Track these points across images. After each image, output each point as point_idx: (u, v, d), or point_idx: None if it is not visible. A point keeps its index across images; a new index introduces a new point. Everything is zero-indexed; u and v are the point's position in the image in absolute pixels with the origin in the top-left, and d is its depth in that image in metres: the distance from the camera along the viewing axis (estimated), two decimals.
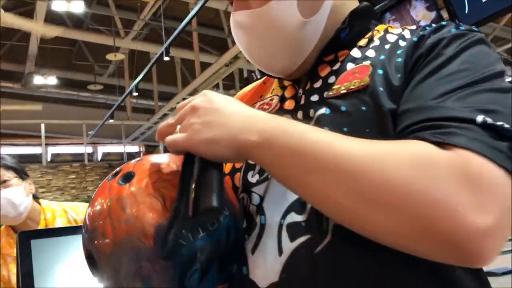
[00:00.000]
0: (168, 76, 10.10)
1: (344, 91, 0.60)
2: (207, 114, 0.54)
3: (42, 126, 9.12)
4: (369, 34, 0.67)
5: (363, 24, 0.68)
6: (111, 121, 8.86)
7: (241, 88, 8.08)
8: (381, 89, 0.57)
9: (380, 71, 0.59)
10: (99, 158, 12.89)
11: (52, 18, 8.23)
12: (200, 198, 0.52)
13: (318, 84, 0.65)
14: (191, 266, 0.56)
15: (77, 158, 11.86)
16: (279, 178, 0.54)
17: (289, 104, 0.67)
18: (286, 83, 0.71)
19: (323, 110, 0.61)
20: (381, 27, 0.69)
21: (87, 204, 2.03)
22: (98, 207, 0.59)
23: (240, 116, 0.54)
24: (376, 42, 0.65)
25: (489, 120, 0.48)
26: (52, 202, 1.98)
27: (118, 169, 0.62)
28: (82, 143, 10.30)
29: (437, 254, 0.47)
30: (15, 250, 1.74)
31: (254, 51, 0.68)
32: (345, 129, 0.56)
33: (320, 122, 0.60)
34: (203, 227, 0.56)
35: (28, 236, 1.18)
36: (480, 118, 0.48)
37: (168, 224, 0.54)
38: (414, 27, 0.65)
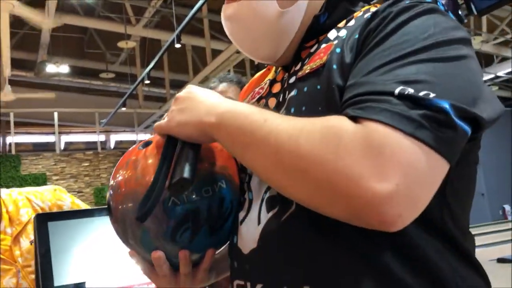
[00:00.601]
0: (180, 64, 10.09)
1: (308, 70, 0.65)
2: (183, 102, 0.65)
3: (55, 114, 9.20)
4: (351, 16, 0.69)
5: (345, 7, 0.71)
6: (124, 109, 8.91)
7: (251, 74, 8.07)
8: (334, 66, 0.61)
9: (338, 50, 0.63)
10: (112, 146, 13.00)
11: (64, 6, 8.26)
12: (175, 171, 0.62)
13: (298, 67, 0.70)
14: (182, 224, 0.66)
15: (90, 146, 11.97)
16: (232, 154, 0.63)
17: (276, 88, 0.74)
18: (279, 68, 0.77)
19: (293, 92, 0.67)
20: (366, 7, 0.70)
21: (50, 188, 1.95)
22: (121, 166, 0.72)
23: (207, 102, 0.63)
24: (352, 22, 0.67)
25: (408, 90, 0.50)
26: (12, 190, 1.80)
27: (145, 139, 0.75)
28: (95, 132, 10.38)
29: (347, 218, 0.52)
30: None
31: (241, 41, 0.74)
32: (303, 108, 0.63)
33: (289, 104, 0.66)
34: (197, 192, 0.66)
35: (45, 218, 1.20)
36: (398, 89, 0.50)
37: (146, 192, 0.63)
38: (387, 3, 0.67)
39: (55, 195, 1.81)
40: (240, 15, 0.70)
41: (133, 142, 11.57)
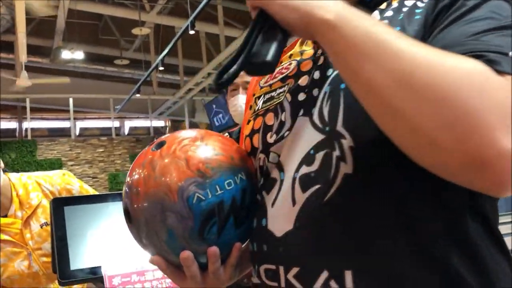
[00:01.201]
0: (193, 51, 10.09)
1: None
2: None
3: (71, 100, 9.29)
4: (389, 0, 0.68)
5: None
6: (138, 95, 8.96)
7: None
8: None
9: (397, 28, 0.60)
10: (126, 132, 13.09)
11: None
12: (258, 50, 0.57)
13: None
14: (209, 219, 0.65)
15: (105, 132, 12.07)
16: (339, 60, 0.54)
17: (306, 66, 0.70)
18: (309, 44, 0.74)
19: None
20: None
21: (59, 173, 1.96)
22: (135, 170, 0.71)
23: None
24: (395, 4, 0.67)
25: None
26: (22, 175, 1.82)
27: (155, 140, 0.73)
28: (109, 118, 10.46)
29: (459, 166, 0.47)
30: None
31: None
32: None
33: (337, 81, 0.62)
34: (220, 186, 0.66)
35: (62, 203, 1.22)
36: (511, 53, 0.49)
37: (228, 62, 0.58)
38: None
39: (64, 180, 1.83)
40: None
41: (147, 129, 11.64)
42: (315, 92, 0.66)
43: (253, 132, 0.74)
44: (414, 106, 0.48)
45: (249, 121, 0.79)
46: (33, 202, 1.75)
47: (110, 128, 10.32)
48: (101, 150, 8.80)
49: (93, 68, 11.12)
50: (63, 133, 11.82)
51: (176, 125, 13.48)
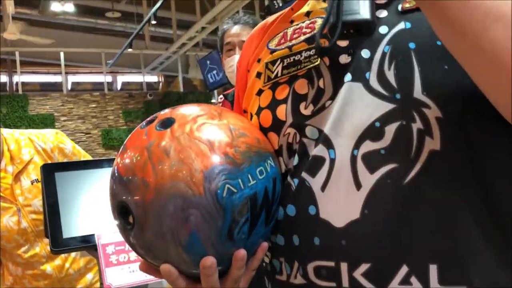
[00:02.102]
0: (187, 3, 9.81)
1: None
2: None
3: (62, 54, 9.08)
4: None
5: None
6: (130, 50, 8.77)
7: (261, 16, 7.82)
8: None
9: None
10: (119, 87, 12.93)
11: None
12: (350, 8, 0.48)
13: (382, 0, 0.57)
14: (241, 216, 0.53)
15: (97, 87, 11.91)
16: (444, 22, 0.45)
17: None
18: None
19: (401, 25, 0.54)
20: None
21: (53, 131, 1.95)
22: (133, 154, 0.55)
23: None
24: None
25: None
26: (14, 131, 1.79)
27: (151, 117, 0.60)
28: (101, 72, 10.28)
29: None
30: None
31: None
32: (438, 43, 0.50)
33: (401, 39, 0.53)
34: (253, 175, 0.54)
35: (52, 169, 1.18)
36: None
37: (323, 22, 0.50)
38: None
39: (57, 138, 1.81)
40: None
41: (140, 84, 11.48)
42: (364, 53, 0.55)
43: (274, 103, 0.62)
44: None
45: (260, 91, 0.66)
46: (25, 158, 1.73)
47: (102, 83, 10.16)
48: (93, 105, 8.69)
49: (84, 21, 10.81)
50: (55, 87, 11.65)
51: (169, 80, 13.31)
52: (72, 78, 12.51)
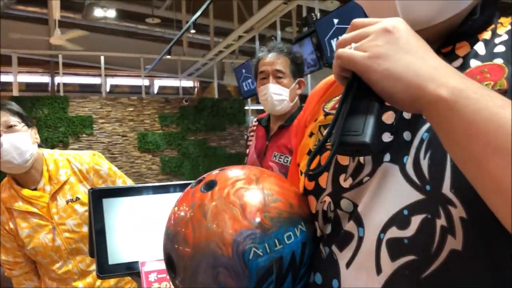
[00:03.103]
0: (225, 11, 9.92)
1: None
2: (398, 43, 0.47)
3: (102, 58, 9.33)
4: (492, 26, 0.58)
5: (488, 14, 0.59)
6: (168, 56, 8.94)
7: (297, 25, 7.77)
8: None
9: None
10: (156, 91, 13.18)
11: None
12: (350, 127, 0.48)
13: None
14: (266, 278, 0.57)
15: (134, 90, 12.19)
16: (454, 144, 0.45)
17: None
18: None
19: None
20: (504, 20, 0.60)
21: (90, 153, 2.06)
22: (181, 212, 0.63)
23: (431, 62, 0.46)
24: (504, 37, 0.56)
25: None
26: (54, 151, 1.89)
27: (201, 177, 0.66)
28: (139, 76, 10.51)
29: None
30: (19, 203, 1.78)
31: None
32: None
33: None
34: (280, 240, 0.58)
35: (100, 195, 1.24)
36: None
37: (318, 146, 0.54)
38: None
39: (93, 159, 1.89)
40: None
41: (176, 89, 11.68)
42: (406, 135, 0.56)
43: (320, 169, 0.61)
44: None
45: (310, 152, 0.68)
46: (62, 178, 1.82)
47: (139, 86, 10.38)
48: (131, 109, 8.88)
49: (124, 26, 11.09)
50: (94, 89, 11.99)
51: (204, 85, 13.47)
52: (110, 81, 12.84)
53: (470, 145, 0.43)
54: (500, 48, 0.55)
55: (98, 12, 9.44)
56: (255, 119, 2.41)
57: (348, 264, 0.56)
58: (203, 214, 0.60)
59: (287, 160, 2.05)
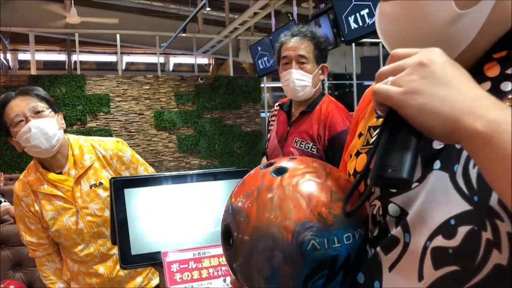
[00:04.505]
0: None
1: None
2: (433, 78, 0.47)
3: (118, 36, 9.32)
4: None
5: None
6: (183, 34, 8.89)
7: (314, 2, 7.63)
8: None
9: None
10: (171, 68, 13.17)
11: None
12: (388, 162, 0.49)
13: (486, 86, 0.55)
14: (319, 270, 0.59)
15: (150, 67, 12.18)
16: (491, 176, 0.45)
17: None
18: None
19: None
20: None
21: (114, 140, 2.13)
22: (248, 190, 0.64)
23: (470, 94, 0.46)
24: None
25: None
26: (79, 137, 1.93)
27: (272, 161, 0.67)
28: (155, 53, 10.49)
29: None
30: (45, 186, 1.83)
31: (399, 43, 0.58)
32: None
33: None
34: (339, 238, 0.59)
35: (122, 185, 1.25)
36: None
37: (355, 182, 0.56)
38: None
39: (117, 146, 1.93)
40: (406, 14, 0.57)
41: (192, 66, 11.65)
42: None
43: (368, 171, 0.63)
44: None
45: (358, 152, 0.69)
46: (86, 163, 1.86)
47: (155, 64, 10.37)
48: (147, 87, 8.91)
49: (139, 3, 11.03)
50: (110, 67, 12.01)
51: (219, 62, 13.41)
52: (126, 58, 12.85)
53: (503, 177, 0.43)
54: None
55: None
56: (276, 104, 2.39)
57: (391, 268, 0.57)
58: (270, 197, 0.61)
59: (308, 146, 2.04)
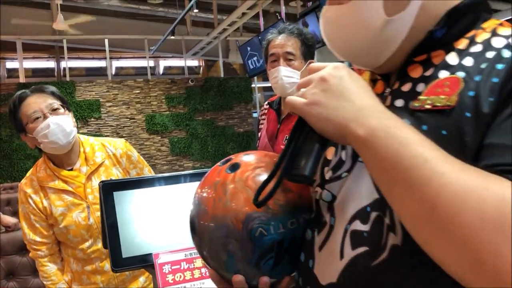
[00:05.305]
0: None
1: (429, 106, 0.57)
2: (330, 91, 0.58)
3: (106, 41, 9.28)
4: (472, 33, 0.61)
5: (466, 22, 0.62)
6: (172, 37, 8.86)
7: (302, 0, 7.64)
8: (468, 114, 0.53)
9: (471, 93, 0.54)
10: (161, 72, 13.12)
11: None
12: (295, 162, 0.61)
13: (406, 88, 0.63)
14: (267, 253, 0.68)
15: (140, 71, 12.13)
16: (372, 174, 0.56)
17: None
18: (377, 77, 0.70)
19: (404, 121, 0.59)
20: (489, 24, 0.61)
21: (122, 140, 2.19)
22: (206, 186, 0.73)
23: (359, 104, 0.56)
24: (478, 47, 0.59)
25: None
26: (89, 137, 2.00)
27: (229, 157, 0.76)
28: (144, 57, 10.46)
29: None
30: (56, 182, 1.85)
31: (339, 46, 0.67)
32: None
33: None
34: (284, 225, 0.67)
35: (111, 188, 1.24)
36: None
37: (267, 178, 0.65)
38: None
39: (126, 146, 2.00)
40: (343, 19, 0.64)
41: (182, 68, 11.62)
42: None
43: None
44: (437, 243, 0.47)
45: None
46: (98, 160, 1.93)
47: (145, 68, 10.34)
48: (137, 91, 8.86)
49: (127, 7, 10.98)
50: (100, 72, 11.95)
51: (210, 64, 13.38)
52: (116, 63, 12.79)
53: (378, 176, 0.53)
54: (468, 61, 0.58)
55: None
56: (266, 102, 2.38)
57: (320, 248, 0.66)
58: (224, 191, 0.69)
59: None
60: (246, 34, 10.34)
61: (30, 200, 1.86)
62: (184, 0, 9.68)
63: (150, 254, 1.16)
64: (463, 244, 0.44)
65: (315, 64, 0.62)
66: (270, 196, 0.63)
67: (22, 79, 9.06)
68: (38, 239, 1.89)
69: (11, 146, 7.80)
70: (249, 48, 7.55)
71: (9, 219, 2.95)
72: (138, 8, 11.12)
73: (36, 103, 1.79)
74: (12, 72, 11.56)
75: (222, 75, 10.21)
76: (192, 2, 7.15)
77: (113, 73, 12.09)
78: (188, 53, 10.71)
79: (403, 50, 0.63)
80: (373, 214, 0.59)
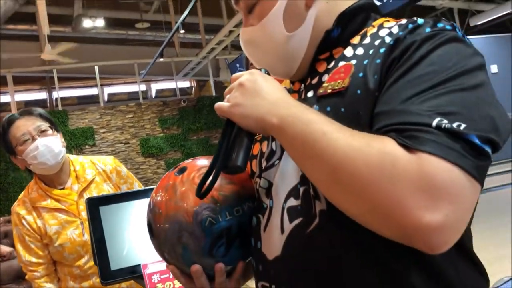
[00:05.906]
0: (213, 8, 9.90)
1: (330, 90, 0.69)
2: (248, 92, 0.68)
3: (96, 68, 9.35)
4: (364, 30, 0.73)
5: (357, 22, 0.74)
6: (161, 60, 8.93)
7: None
8: (359, 91, 0.64)
9: (360, 74, 0.66)
10: (153, 95, 13.18)
11: None
12: (229, 156, 0.69)
13: (315, 81, 0.75)
14: (218, 240, 0.74)
15: (132, 96, 12.18)
16: (290, 155, 0.64)
17: (293, 98, 0.76)
18: (295, 85, 0.82)
19: (314, 107, 0.70)
20: (378, 22, 0.74)
21: (111, 157, 2.19)
22: (159, 190, 0.80)
23: (271, 99, 0.66)
24: (367, 39, 0.71)
25: (444, 122, 0.53)
26: (78, 156, 2.02)
27: (178, 164, 0.84)
28: (135, 82, 10.53)
29: (396, 239, 0.55)
30: (48, 201, 1.86)
31: (259, 62, 0.80)
32: None
33: None
34: (230, 212, 0.75)
35: (97, 203, 1.25)
36: (435, 121, 0.53)
37: (206, 173, 0.71)
38: (404, 21, 0.68)
39: (115, 162, 2.04)
40: (256, 39, 0.78)
41: (174, 90, 11.68)
42: None
43: (252, 157, 0.85)
44: (343, 200, 0.57)
45: (256, 140, 0.86)
46: (88, 177, 1.94)
47: (137, 92, 10.40)
48: (130, 115, 8.91)
49: (115, 33, 11.09)
50: (92, 99, 12.00)
51: (201, 84, 13.46)
52: (107, 90, 12.85)
53: (293, 154, 0.62)
54: (360, 51, 0.70)
55: (87, 23, 9.44)
56: None
57: (264, 229, 0.75)
58: (174, 192, 0.77)
59: None
60: (235, 52, 10.43)
61: (24, 222, 1.87)
62: (171, 23, 9.78)
63: (138, 265, 1.16)
64: (363, 196, 0.54)
65: (236, 74, 0.73)
66: (211, 187, 0.69)
67: (14, 112, 9.08)
68: (33, 259, 1.88)
69: (7, 180, 7.79)
70: (238, 65, 7.62)
71: (4, 248, 2.94)
72: (127, 34, 11.22)
73: (25, 125, 1.83)
74: (5, 106, 11.59)
75: (214, 94, 10.26)
76: (178, 23, 7.23)
77: (106, 99, 12.14)
78: (179, 74, 10.78)
79: (310, 54, 0.75)
80: (301, 189, 0.68)
